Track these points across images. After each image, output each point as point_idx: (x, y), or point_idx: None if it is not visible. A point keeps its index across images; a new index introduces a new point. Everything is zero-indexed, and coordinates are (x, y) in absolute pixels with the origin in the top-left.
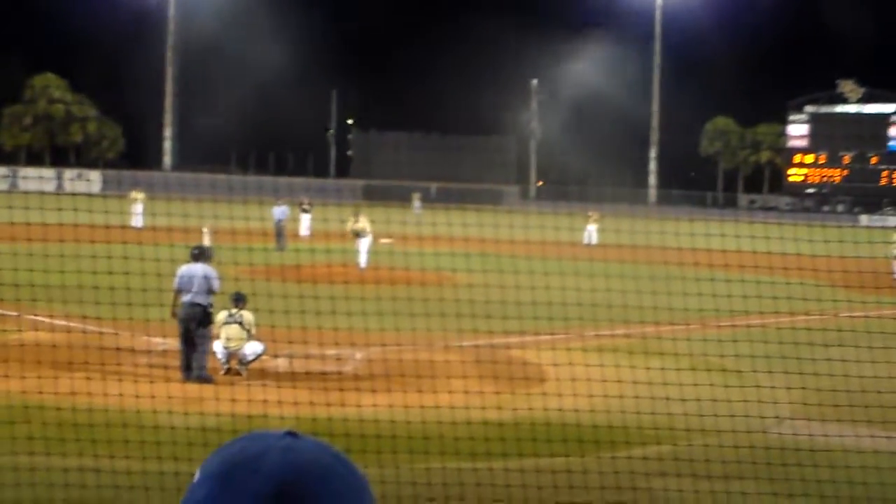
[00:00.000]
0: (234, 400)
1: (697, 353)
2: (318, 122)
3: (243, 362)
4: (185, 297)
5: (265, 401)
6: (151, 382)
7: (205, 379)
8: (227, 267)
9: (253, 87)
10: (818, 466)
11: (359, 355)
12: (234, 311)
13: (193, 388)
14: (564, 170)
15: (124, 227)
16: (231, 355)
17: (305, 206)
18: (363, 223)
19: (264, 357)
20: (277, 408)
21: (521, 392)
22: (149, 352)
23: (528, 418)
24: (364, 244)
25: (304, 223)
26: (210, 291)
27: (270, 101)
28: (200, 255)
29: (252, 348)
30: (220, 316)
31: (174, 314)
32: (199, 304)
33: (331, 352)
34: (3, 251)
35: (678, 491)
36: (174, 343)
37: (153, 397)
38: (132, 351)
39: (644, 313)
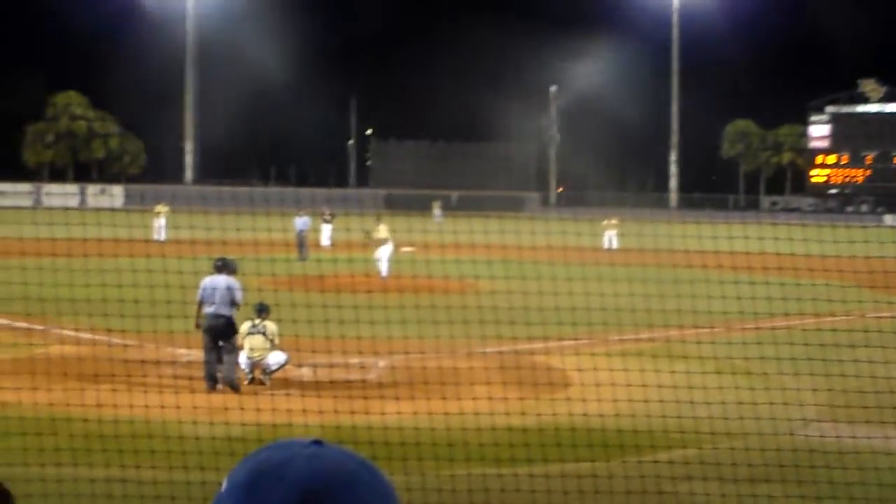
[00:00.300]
0: (258, 409)
1: (722, 356)
2: (338, 132)
3: (267, 372)
4: (209, 309)
5: (289, 410)
6: (177, 393)
7: (233, 385)
8: (251, 278)
9: (272, 99)
10: (846, 469)
11: (382, 363)
12: (257, 321)
13: (218, 399)
14: (584, 175)
15: (147, 240)
16: (255, 365)
17: (327, 217)
18: (383, 232)
19: (288, 367)
20: (302, 416)
21: (546, 397)
22: (173, 363)
23: (552, 424)
24: (385, 252)
25: (326, 233)
26: (233, 303)
27: (290, 112)
28: (223, 266)
29: (275, 358)
30: (244, 327)
31: (198, 325)
32: (222, 316)
33: (354, 360)
34: (29, 266)
35: (705, 495)
36: (198, 354)
37: (178, 408)
38: (157, 362)
39: (667, 317)
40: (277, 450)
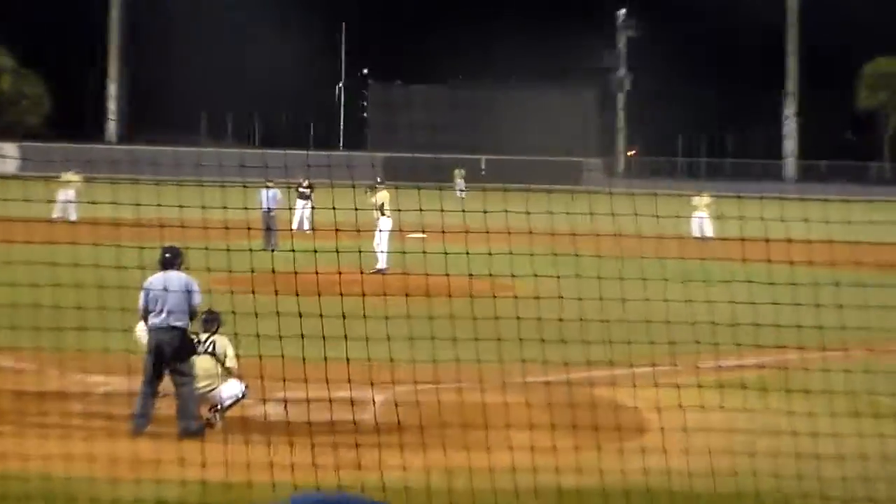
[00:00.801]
0: (205, 463)
1: (861, 390)
2: (322, 73)
3: (218, 409)
4: (156, 319)
5: (249, 464)
6: (88, 439)
7: (196, 432)
8: (198, 274)
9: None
10: None
11: (381, 398)
12: (203, 336)
13: (147, 447)
14: (666, 135)
15: (52, 221)
16: (202, 399)
17: (304, 190)
18: (383, 197)
19: (247, 401)
20: (266, 472)
21: (611, 448)
22: (85, 395)
23: (620, 485)
24: (383, 239)
25: (302, 213)
26: (190, 310)
27: (255, 47)
28: (174, 259)
29: (230, 389)
30: None
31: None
32: (175, 328)
33: (341, 393)
34: None
35: None
36: (120, 383)
37: (92, 460)
38: (62, 395)
39: (784, 335)
40: None
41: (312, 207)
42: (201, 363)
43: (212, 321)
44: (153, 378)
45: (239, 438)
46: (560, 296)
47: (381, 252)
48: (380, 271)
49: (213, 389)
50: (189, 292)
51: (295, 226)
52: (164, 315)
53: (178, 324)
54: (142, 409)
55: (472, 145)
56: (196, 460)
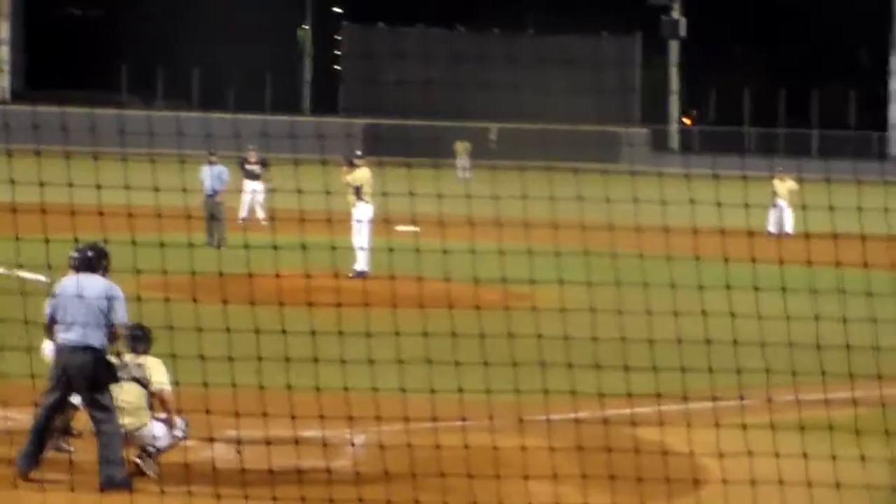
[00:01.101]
0: None
1: None
2: (280, 13)
3: (149, 451)
4: (65, 335)
5: None
6: None
7: (120, 483)
8: (122, 278)
9: None
10: None
11: (360, 438)
12: (128, 358)
13: (59, 500)
14: (731, 98)
15: None
16: (128, 439)
17: (252, 166)
18: (362, 177)
19: (187, 442)
20: None
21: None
22: None
23: None
24: (363, 232)
25: (252, 197)
26: (108, 325)
27: None
28: (94, 259)
29: (163, 428)
30: None
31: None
32: (89, 348)
33: (310, 432)
34: None
35: None
36: (23, 417)
37: None
38: None
39: (885, 360)
40: None
41: (269, 190)
42: (126, 393)
43: (140, 339)
44: (53, 408)
45: (178, 490)
46: (592, 307)
47: (361, 249)
48: (360, 274)
49: (142, 427)
50: (109, 301)
51: (243, 213)
52: (74, 330)
53: (94, 343)
54: (31, 444)
55: (478, 110)
56: None
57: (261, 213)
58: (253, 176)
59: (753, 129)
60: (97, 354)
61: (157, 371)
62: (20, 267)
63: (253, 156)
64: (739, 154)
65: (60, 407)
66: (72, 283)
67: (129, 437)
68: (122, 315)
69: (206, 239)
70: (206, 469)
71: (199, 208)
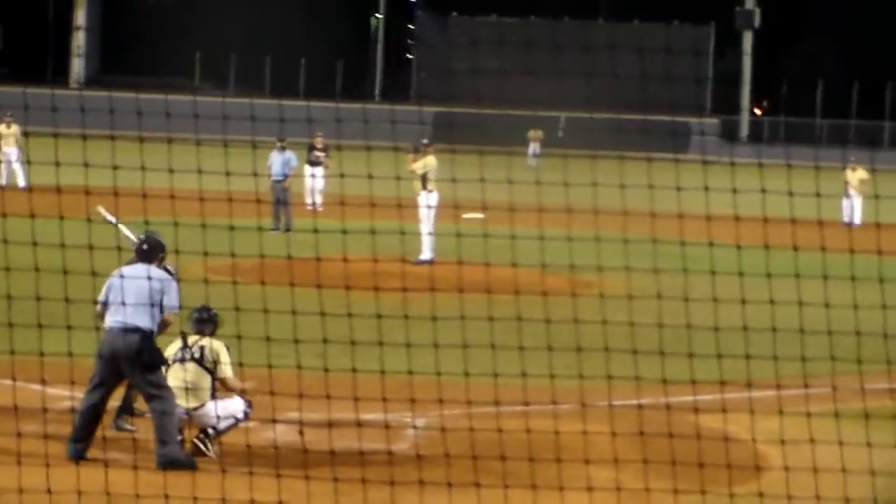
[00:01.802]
0: (195, 500)
1: None
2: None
3: (209, 432)
4: (113, 318)
5: (253, 501)
6: (47, 465)
7: (181, 462)
8: (189, 259)
9: None
10: None
11: (423, 422)
12: (192, 340)
13: (119, 479)
14: (805, 86)
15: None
16: (188, 419)
17: (317, 154)
18: (429, 164)
19: (248, 423)
20: None
21: (719, 491)
22: (43, 412)
23: None
24: (430, 217)
25: (313, 183)
26: (157, 310)
27: None
28: (149, 252)
29: (226, 408)
30: (169, 350)
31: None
32: (136, 330)
33: (372, 415)
34: None
35: None
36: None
37: (50, 492)
38: (14, 410)
39: None
40: None
41: (326, 177)
42: (187, 373)
43: (206, 321)
44: (96, 389)
45: (239, 471)
46: (659, 294)
47: (427, 235)
48: (425, 262)
49: (201, 406)
50: (161, 287)
51: (310, 199)
52: (123, 312)
53: (141, 324)
54: (78, 430)
55: (548, 98)
56: (184, 494)
57: (318, 199)
58: (315, 163)
59: (825, 120)
60: (144, 334)
61: (221, 354)
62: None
63: (319, 142)
64: (809, 144)
65: (104, 389)
66: (126, 270)
67: (190, 417)
68: (173, 302)
69: (273, 224)
70: (268, 450)
71: (267, 193)
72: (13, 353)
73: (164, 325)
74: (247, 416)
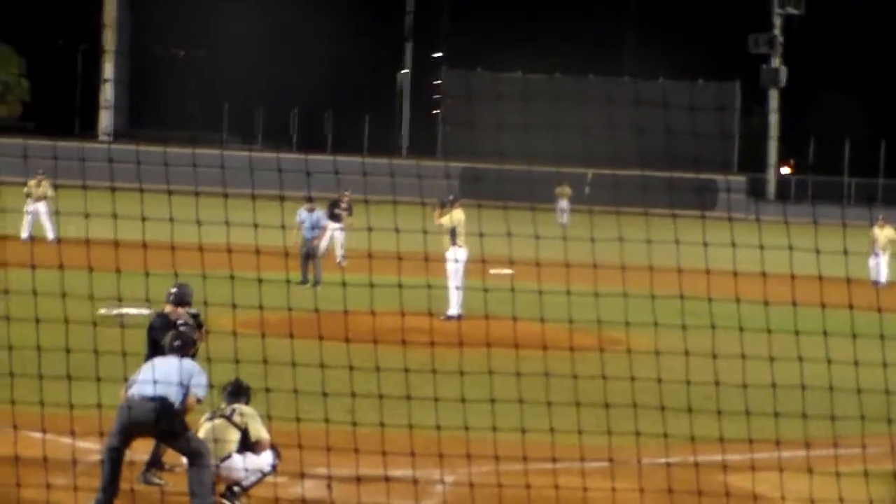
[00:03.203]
0: None
1: None
2: (379, 59)
3: (237, 489)
4: (133, 390)
5: None
6: None
7: None
8: (218, 313)
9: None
10: None
11: (451, 479)
12: (225, 407)
13: None
14: (830, 146)
15: (28, 239)
16: (216, 472)
17: (342, 209)
18: (457, 219)
19: (274, 477)
20: None
21: None
22: (73, 463)
23: None
24: (458, 272)
25: (333, 237)
26: (182, 390)
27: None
28: (183, 346)
29: (253, 461)
30: (202, 419)
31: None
32: (155, 399)
33: (402, 471)
34: None
35: None
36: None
37: None
38: (43, 462)
39: None
40: None
41: (342, 229)
42: (212, 428)
43: (239, 394)
44: (114, 460)
45: None
46: (686, 351)
47: (456, 290)
48: (453, 318)
49: (227, 458)
50: (191, 375)
51: (338, 252)
52: (148, 385)
53: (165, 395)
54: (102, 491)
55: (575, 154)
56: None
57: (339, 253)
58: (336, 218)
59: (853, 178)
60: (165, 404)
61: (253, 419)
62: (120, 302)
63: (345, 200)
64: (838, 204)
65: (121, 452)
66: (158, 360)
67: (217, 470)
68: (201, 386)
69: (302, 278)
70: None
71: (297, 247)
72: (42, 405)
73: (187, 407)
74: (274, 469)
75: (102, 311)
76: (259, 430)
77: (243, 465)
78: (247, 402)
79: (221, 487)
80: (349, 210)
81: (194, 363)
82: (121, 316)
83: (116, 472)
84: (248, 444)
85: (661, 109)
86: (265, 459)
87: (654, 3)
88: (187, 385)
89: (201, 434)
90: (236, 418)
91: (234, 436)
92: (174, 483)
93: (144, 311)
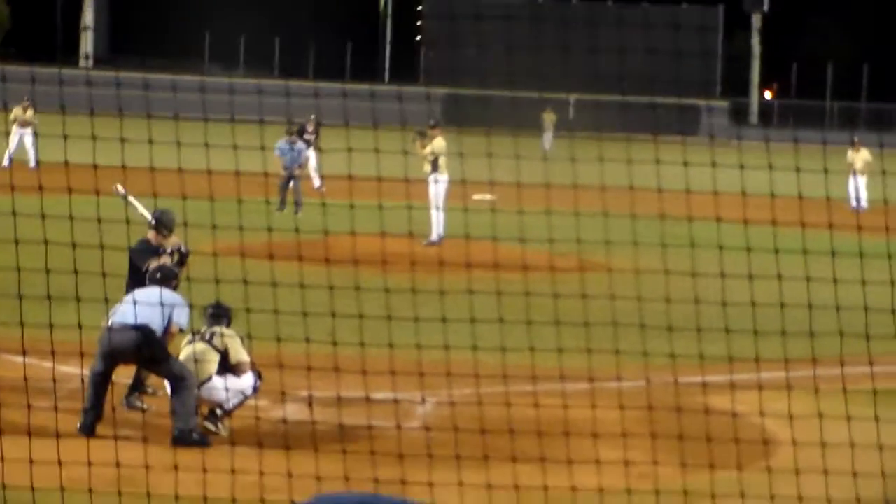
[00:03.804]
0: (205, 471)
1: None
2: None
3: (219, 412)
4: (113, 318)
5: (262, 474)
6: (55, 442)
7: (194, 441)
8: (201, 236)
9: None
10: None
11: (432, 400)
12: (205, 329)
13: (131, 455)
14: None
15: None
16: (198, 394)
17: (310, 135)
18: (438, 146)
19: (257, 400)
20: (283, 490)
21: (727, 467)
22: (52, 383)
23: None
24: (439, 195)
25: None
26: (164, 320)
27: None
28: (164, 279)
29: (235, 383)
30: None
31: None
32: (136, 328)
33: (381, 393)
34: None
35: None
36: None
37: (60, 463)
38: (23, 384)
39: None
40: None
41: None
42: (193, 350)
43: (220, 316)
44: (99, 382)
45: (248, 447)
46: (666, 270)
47: (437, 213)
48: (434, 243)
49: (207, 380)
50: (173, 306)
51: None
52: (128, 313)
53: (147, 323)
54: (87, 411)
55: (559, 80)
56: (193, 467)
57: (316, 181)
58: (308, 143)
59: (835, 102)
60: (146, 331)
61: (233, 341)
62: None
63: (311, 124)
64: (820, 127)
65: (103, 382)
66: (139, 292)
67: (198, 392)
68: (182, 319)
69: (279, 205)
70: (277, 428)
71: (279, 172)
72: (22, 326)
73: (169, 337)
74: (256, 391)
75: (119, 186)
76: (239, 352)
77: (224, 387)
78: (228, 325)
79: (205, 410)
80: (316, 133)
81: (175, 294)
82: (126, 202)
83: (101, 395)
84: (228, 366)
85: (645, 31)
86: (247, 381)
87: None
88: (169, 314)
89: (182, 357)
90: (216, 341)
91: (215, 357)
92: (157, 406)
93: (147, 215)
